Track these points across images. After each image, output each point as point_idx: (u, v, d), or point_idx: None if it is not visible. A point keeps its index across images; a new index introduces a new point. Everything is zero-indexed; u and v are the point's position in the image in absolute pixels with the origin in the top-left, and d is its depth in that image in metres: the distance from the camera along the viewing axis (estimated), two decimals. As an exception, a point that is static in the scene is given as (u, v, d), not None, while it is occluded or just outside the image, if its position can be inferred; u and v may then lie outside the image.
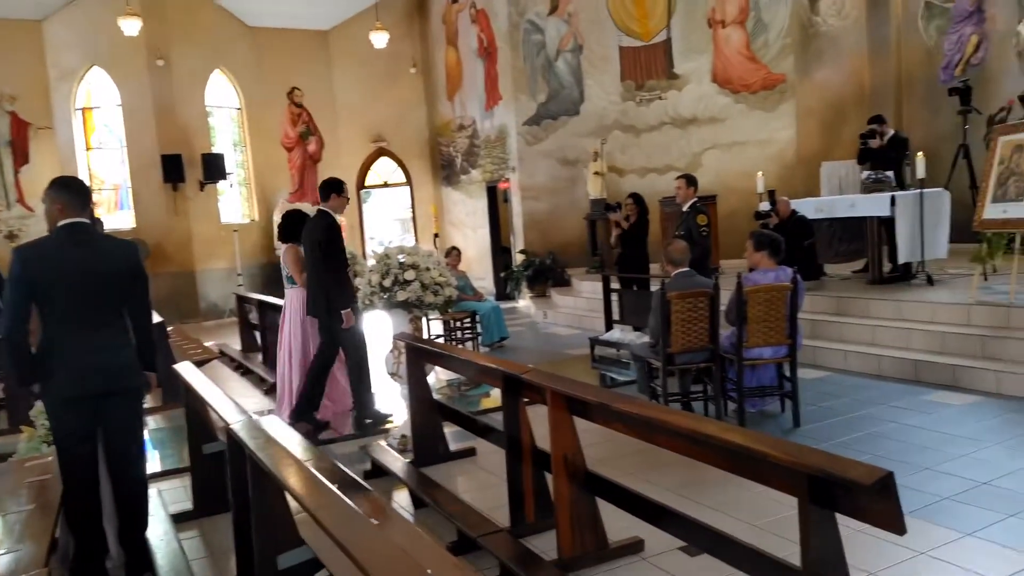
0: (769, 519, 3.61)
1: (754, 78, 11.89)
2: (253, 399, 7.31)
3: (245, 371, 8.49)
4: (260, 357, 8.80)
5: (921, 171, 7.51)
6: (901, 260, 7.67)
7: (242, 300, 10.14)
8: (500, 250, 14.04)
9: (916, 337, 6.40)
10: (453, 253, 9.55)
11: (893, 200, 7.50)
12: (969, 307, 6.33)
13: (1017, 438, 4.59)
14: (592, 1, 12.35)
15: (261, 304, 8.80)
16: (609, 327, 8.21)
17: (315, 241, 5.66)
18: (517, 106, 12.50)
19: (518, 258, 12.72)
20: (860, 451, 4.59)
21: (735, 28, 11.89)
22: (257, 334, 9.25)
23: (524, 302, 12.52)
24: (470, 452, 5.00)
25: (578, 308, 10.70)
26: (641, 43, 12.36)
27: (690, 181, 7.18)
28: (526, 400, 3.65)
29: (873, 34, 12.03)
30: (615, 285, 8.39)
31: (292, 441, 4.84)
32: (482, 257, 14.44)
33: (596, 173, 11.84)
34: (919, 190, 7.52)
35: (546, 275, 12.17)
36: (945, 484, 3.99)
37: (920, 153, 7.69)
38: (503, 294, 13.29)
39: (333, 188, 5.93)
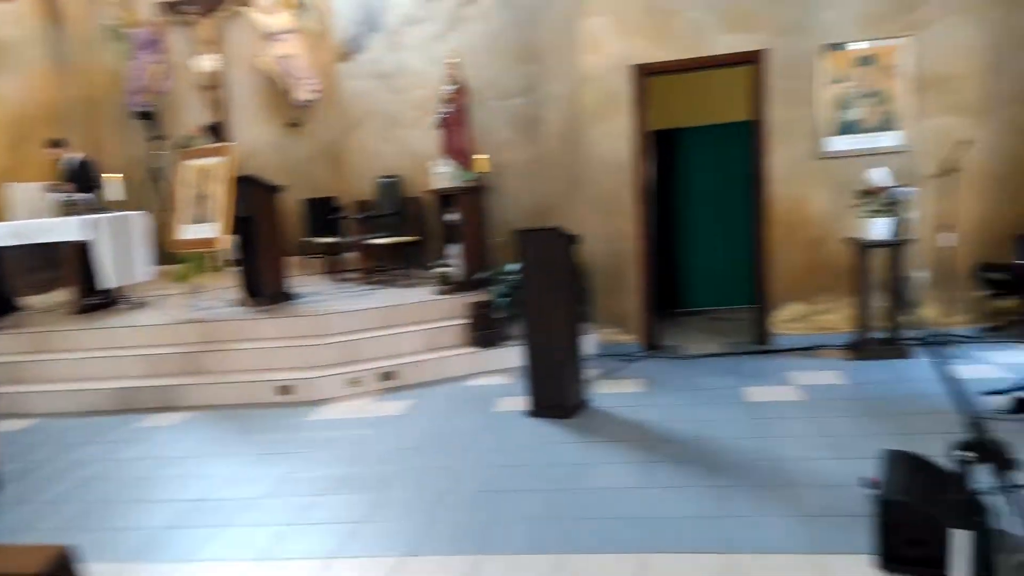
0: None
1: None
2: None
3: None
4: None
5: (116, 193, 7.32)
6: (103, 286, 7.32)
7: None
8: None
9: (127, 364, 6.17)
10: None
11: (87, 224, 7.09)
12: (176, 326, 6.46)
13: (225, 446, 4.84)
14: None
15: None
16: None
17: None
18: None
19: None
20: (72, 502, 4.09)
21: None
22: None
23: None
24: None
25: None
26: None
27: None
28: None
29: (54, 50, 11.24)
30: None
31: None
32: None
33: None
34: (113, 213, 7.32)
35: None
36: (162, 513, 3.86)
37: (114, 176, 7.50)
38: None
39: None
